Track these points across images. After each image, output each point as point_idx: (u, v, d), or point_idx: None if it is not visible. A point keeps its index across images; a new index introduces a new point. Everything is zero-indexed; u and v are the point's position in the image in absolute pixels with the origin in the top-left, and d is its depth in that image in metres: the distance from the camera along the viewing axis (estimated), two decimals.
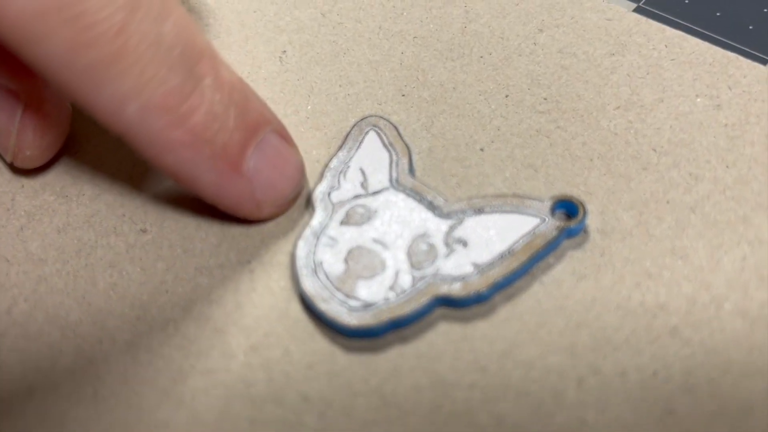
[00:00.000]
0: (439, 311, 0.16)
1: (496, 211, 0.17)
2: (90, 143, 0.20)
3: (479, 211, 0.17)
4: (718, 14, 0.21)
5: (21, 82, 0.17)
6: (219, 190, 0.16)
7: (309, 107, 0.20)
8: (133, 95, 0.14)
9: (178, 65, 0.14)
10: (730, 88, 0.19)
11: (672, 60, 0.20)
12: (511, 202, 0.17)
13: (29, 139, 0.18)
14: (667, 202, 0.17)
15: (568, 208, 0.17)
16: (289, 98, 0.21)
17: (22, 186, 0.19)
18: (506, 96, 0.20)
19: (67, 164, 0.20)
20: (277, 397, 0.15)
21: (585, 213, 0.17)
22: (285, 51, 0.22)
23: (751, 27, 0.21)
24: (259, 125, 0.16)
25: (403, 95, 0.20)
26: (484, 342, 0.16)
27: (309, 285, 0.16)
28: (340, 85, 0.21)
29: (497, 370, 0.15)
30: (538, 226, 0.17)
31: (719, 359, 0.15)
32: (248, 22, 0.22)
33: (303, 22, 0.22)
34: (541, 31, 0.21)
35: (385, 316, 0.16)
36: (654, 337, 0.15)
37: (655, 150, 0.18)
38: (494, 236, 0.16)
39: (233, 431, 0.15)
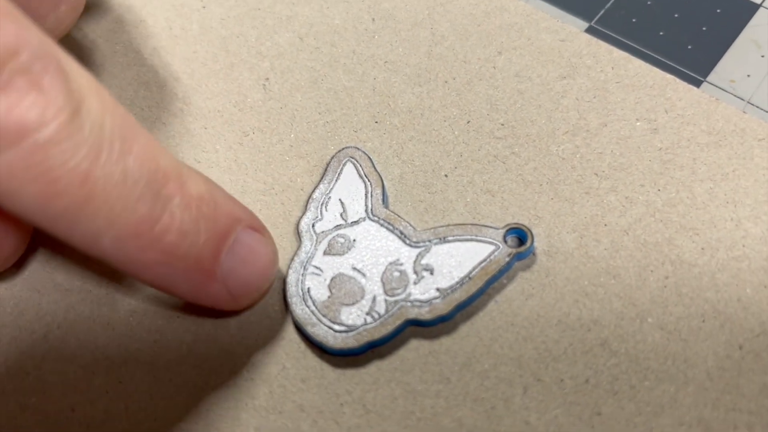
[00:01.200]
0: (410, 329, 0.19)
1: (457, 239, 0.20)
2: None
3: (443, 239, 0.20)
4: (661, 33, 0.23)
5: None
6: (196, 295, 0.18)
7: (292, 135, 0.23)
8: (105, 230, 0.15)
9: (146, 194, 0.16)
10: (666, 112, 0.22)
11: (617, 83, 0.22)
12: (470, 230, 0.20)
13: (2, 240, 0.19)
14: (605, 225, 0.20)
15: (519, 234, 0.20)
16: (274, 127, 0.23)
17: None
18: (468, 122, 0.22)
19: None
20: (277, 408, 0.19)
21: (533, 240, 0.20)
22: (268, 78, 0.24)
23: (689, 47, 0.23)
24: (229, 230, 0.18)
25: (376, 122, 0.23)
26: (447, 356, 0.19)
27: (299, 312, 0.19)
28: (319, 113, 0.23)
29: (458, 380, 0.19)
30: (493, 252, 0.19)
31: (640, 367, 0.18)
32: (232, 49, 0.24)
33: (283, 47, 0.24)
34: (500, 53, 0.23)
35: (365, 339, 0.19)
36: (587, 349, 0.19)
37: (597, 174, 0.21)
38: (455, 263, 0.19)
39: None
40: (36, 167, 0.14)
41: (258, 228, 0.19)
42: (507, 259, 0.19)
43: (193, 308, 0.20)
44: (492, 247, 0.20)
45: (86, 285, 0.21)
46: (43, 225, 0.16)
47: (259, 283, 0.19)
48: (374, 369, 0.19)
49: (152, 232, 0.16)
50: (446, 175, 0.21)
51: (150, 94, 0.24)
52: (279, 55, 0.24)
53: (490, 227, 0.20)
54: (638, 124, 0.22)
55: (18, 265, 0.21)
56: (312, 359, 0.19)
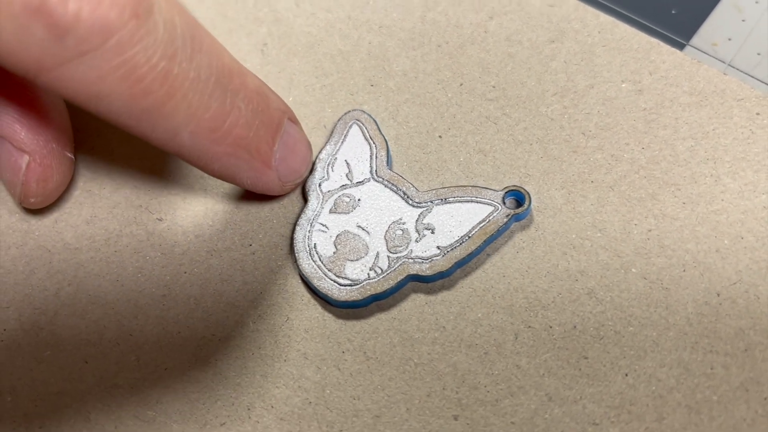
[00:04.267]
0: (411, 284, 0.20)
1: (458, 200, 0.21)
2: (101, 138, 0.23)
3: (444, 200, 0.21)
4: None
5: (32, 141, 0.20)
6: (254, 183, 0.20)
7: (290, 99, 0.23)
8: (183, 126, 0.17)
9: (216, 90, 0.17)
10: (650, 74, 0.23)
11: (603, 46, 0.23)
12: (470, 192, 0.21)
13: (33, 189, 0.20)
14: (592, 182, 0.21)
15: (517, 196, 0.21)
16: None
17: None
18: (460, 84, 0.23)
19: (85, 161, 0.23)
20: (282, 356, 0.20)
21: (530, 201, 0.20)
22: (266, 43, 0.24)
23: (673, 11, 0.24)
24: (279, 121, 0.19)
25: (372, 85, 0.23)
26: (443, 306, 0.20)
27: (306, 266, 0.20)
28: (316, 77, 0.24)
29: (453, 329, 0.20)
30: (491, 213, 0.20)
31: (624, 314, 0.19)
32: (230, 15, 0.25)
33: (280, 13, 0.25)
34: (491, 18, 0.24)
35: (368, 292, 0.20)
36: (575, 298, 0.20)
37: (584, 134, 0.22)
38: (456, 223, 0.20)
39: (250, 384, 0.19)
40: (122, 66, 0.15)
41: (295, 119, 0.20)
42: (505, 219, 0.20)
43: (200, 266, 0.21)
44: (491, 208, 0.20)
45: (95, 244, 0.21)
46: (127, 124, 0.17)
47: (302, 170, 0.21)
48: (374, 320, 0.20)
49: (224, 126, 0.18)
50: (440, 136, 0.22)
51: None
52: (276, 21, 0.25)
53: (490, 189, 0.21)
54: (624, 85, 0.23)
55: (31, 223, 0.22)
56: (315, 311, 0.20)
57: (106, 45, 0.15)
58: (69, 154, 0.21)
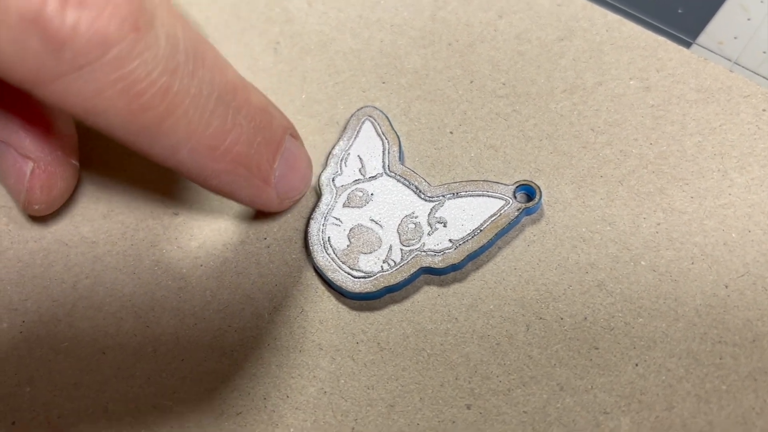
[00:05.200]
0: (423, 277, 0.21)
1: (470, 194, 0.21)
2: None
3: (456, 194, 0.21)
4: None
5: (36, 148, 0.20)
6: (252, 200, 0.20)
7: (303, 96, 0.24)
8: (183, 143, 0.17)
9: (218, 107, 0.17)
10: (658, 71, 0.23)
11: (611, 44, 0.24)
12: (482, 186, 0.21)
13: (37, 196, 0.20)
14: (601, 177, 0.22)
15: (528, 191, 0.21)
16: (285, 88, 0.24)
17: None
18: (471, 82, 0.23)
19: (100, 157, 0.23)
20: (297, 346, 0.20)
21: (541, 195, 0.21)
22: (278, 42, 0.25)
23: (680, 11, 0.24)
24: (281, 139, 0.19)
25: (383, 82, 0.24)
26: (455, 298, 0.20)
27: (320, 259, 0.20)
28: (328, 74, 0.24)
29: (465, 320, 0.20)
30: (503, 207, 0.21)
31: (634, 306, 0.20)
32: (243, 15, 0.25)
33: (292, 13, 0.25)
34: (500, 17, 0.25)
35: (382, 284, 0.20)
36: (585, 290, 0.20)
37: (593, 130, 0.22)
38: (467, 217, 0.21)
39: (266, 374, 0.20)
40: (121, 81, 0.15)
41: (296, 135, 0.20)
42: (516, 213, 0.21)
43: (216, 259, 0.21)
44: (502, 202, 0.21)
45: (111, 238, 0.22)
46: (126, 139, 0.16)
47: (302, 187, 0.21)
48: (388, 311, 0.20)
49: (224, 144, 0.17)
50: (451, 132, 0.23)
51: None
52: (288, 21, 0.25)
53: (501, 183, 0.21)
54: (631, 82, 0.23)
55: (47, 219, 0.22)
56: (329, 303, 0.20)
57: (105, 58, 0.15)
58: (74, 162, 0.21)
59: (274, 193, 0.20)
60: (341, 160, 0.22)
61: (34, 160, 0.20)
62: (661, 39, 0.24)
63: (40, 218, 0.22)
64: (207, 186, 0.19)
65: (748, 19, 0.24)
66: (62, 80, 0.15)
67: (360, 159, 0.22)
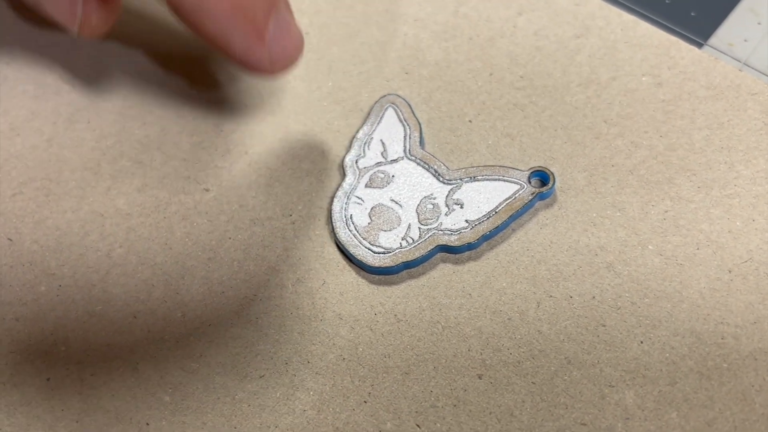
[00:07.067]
0: (440, 255, 0.22)
1: (486, 179, 0.22)
2: (152, 115, 0.25)
3: (473, 178, 0.22)
4: (667, 1, 0.26)
5: None
6: (245, 54, 0.20)
7: (330, 84, 0.25)
8: None
9: None
10: (669, 69, 0.24)
11: (626, 43, 0.25)
12: (498, 171, 0.22)
13: (94, 6, 0.22)
14: (612, 166, 0.23)
15: (542, 176, 0.22)
16: (312, 76, 0.25)
17: (104, 153, 0.24)
18: (490, 74, 0.25)
19: (137, 134, 0.24)
20: (319, 316, 0.21)
21: (554, 181, 0.22)
22: (307, 32, 0.26)
23: (693, 13, 0.25)
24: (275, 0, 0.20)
25: (406, 73, 0.25)
26: (469, 275, 0.21)
27: (342, 235, 0.22)
28: (353, 64, 0.25)
29: (478, 296, 0.21)
30: (518, 191, 0.22)
31: (640, 287, 0.21)
32: None
33: (320, 5, 0.27)
34: (520, 14, 0.26)
35: (400, 260, 0.21)
36: (594, 271, 0.21)
37: (606, 122, 0.23)
38: (484, 199, 0.22)
39: (288, 341, 0.21)
40: None
41: (290, 11, 0.21)
42: (530, 197, 0.22)
43: (243, 232, 0.22)
44: (517, 186, 0.22)
45: (145, 210, 0.23)
46: None
47: (293, 56, 0.21)
48: (405, 285, 0.21)
49: None
50: (470, 121, 0.24)
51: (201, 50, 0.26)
52: (317, 12, 0.26)
53: (516, 169, 0.22)
54: (644, 78, 0.24)
55: (85, 190, 0.23)
56: (350, 276, 0.22)
57: None
58: None
59: (266, 53, 0.20)
60: (364, 144, 0.23)
61: None
62: (674, 39, 0.25)
63: (76, 191, 0.23)
64: (203, 31, 0.19)
65: (759, 23, 0.25)
66: None
67: (382, 143, 0.23)
